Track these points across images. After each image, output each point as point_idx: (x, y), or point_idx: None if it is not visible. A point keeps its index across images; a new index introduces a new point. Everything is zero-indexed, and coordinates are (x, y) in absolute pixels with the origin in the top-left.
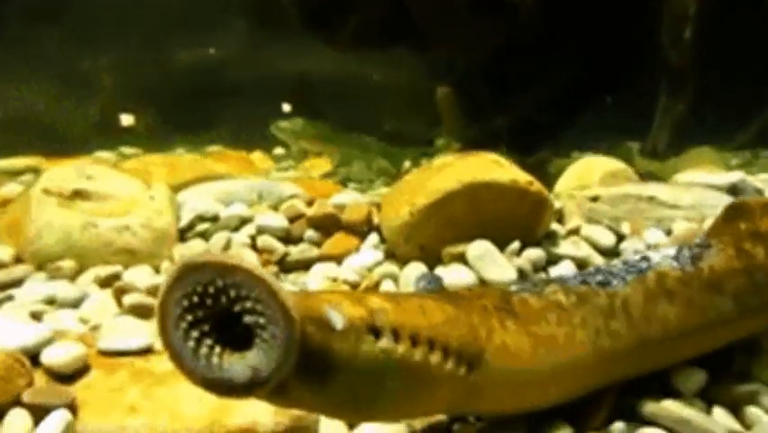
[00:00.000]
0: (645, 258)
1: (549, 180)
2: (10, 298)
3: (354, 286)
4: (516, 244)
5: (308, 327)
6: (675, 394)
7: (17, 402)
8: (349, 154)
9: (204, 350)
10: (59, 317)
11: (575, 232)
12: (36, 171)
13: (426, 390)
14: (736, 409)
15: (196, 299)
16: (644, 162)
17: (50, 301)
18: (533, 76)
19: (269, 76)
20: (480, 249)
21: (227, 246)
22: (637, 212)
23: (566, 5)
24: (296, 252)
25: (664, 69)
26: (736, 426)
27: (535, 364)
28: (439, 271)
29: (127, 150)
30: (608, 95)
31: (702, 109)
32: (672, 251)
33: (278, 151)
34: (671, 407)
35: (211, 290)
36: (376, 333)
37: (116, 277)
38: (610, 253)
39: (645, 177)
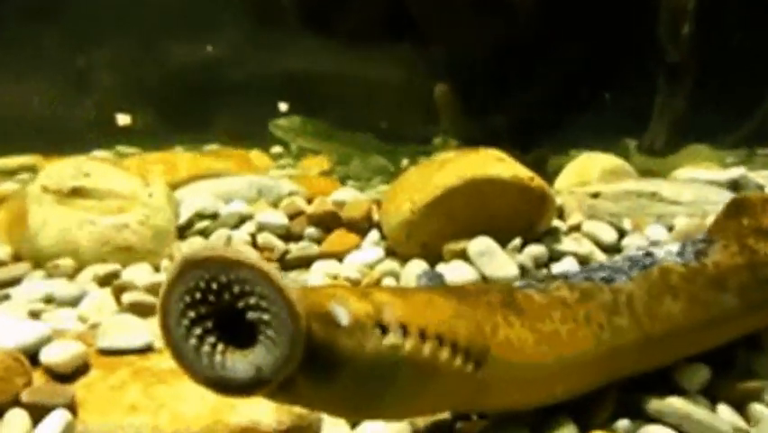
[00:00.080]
0: (649, 254)
1: (547, 178)
2: (8, 297)
3: (355, 283)
4: (517, 241)
5: (313, 323)
6: (679, 391)
7: (16, 402)
8: (347, 152)
9: (206, 348)
10: (58, 315)
11: (577, 228)
12: (33, 170)
13: (434, 386)
14: (740, 406)
15: (198, 295)
16: (642, 159)
17: (49, 300)
18: (531, 73)
19: (267, 74)
20: (481, 245)
21: (227, 244)
22: (638, 208)
23: (565, 3)
24: (296, 249)
25: (662, 66)
26: (741, 423)
27: (539, 361)
28: (440, 268)
29: (125, 149)
30: (606, 92)
31: (698, 106)
32: (675, 247)
33: (276, 149)
34: (676, 404)
35: (214, 285)
36: (383, 328)
37: (115, 275)
38: (612, 249)
39: (644, 174)
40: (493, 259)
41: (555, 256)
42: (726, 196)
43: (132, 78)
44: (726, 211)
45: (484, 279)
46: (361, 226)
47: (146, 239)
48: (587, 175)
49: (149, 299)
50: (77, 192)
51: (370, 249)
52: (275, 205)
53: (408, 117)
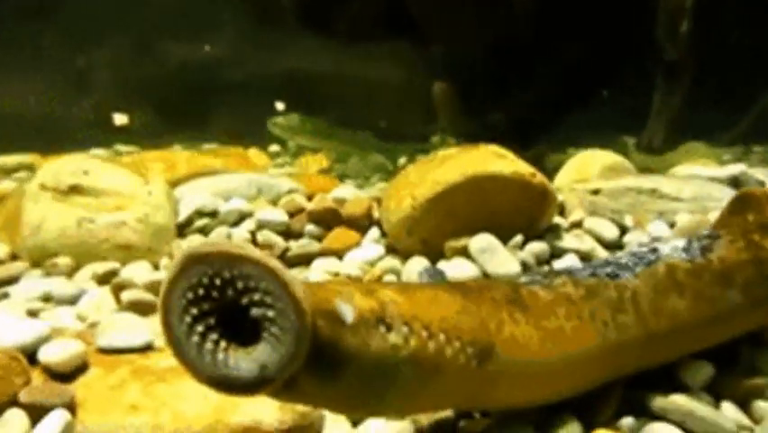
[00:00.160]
0: (655, 249)
1: (546, 175)
2: (5, 295)
3: (357, 281)
4: (519, 238)
5: (318, 319)
6: (682, 388)
7: (14, 402)
8: (345, 151)
9: (209, 345)
10: (56, 314)
11: (578, 225)
12: (31, 169)
13: (437, 384)
14: (743, 404)
15: (201, 291)
16: (640, 157)
17: (47, 299)
18: (530, 72)
19: (265, 73)
20: (482, 242)
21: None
22: (639, 205)
23: (563, 2)
24: (296, 247)
25: (660, 64)
26: (745, 420)
27: (544, 358)
28: (441, 265)
29: (122, 147)
30: (605, 90)
31: (693, 104)
32: (681, 242)
33: (274, 148)
34: (680, 401)
35: (217, 281)
36: (387, 326)
37: (114, 273)
38: (614, 246)
39: (642, 171)
40: (494, 256)
41: (557, 253)
42: (727, 192)
43: (130, 77)
44: (730, 206)
45: (486, 276)
46: (361, 224)
47: (145, 237)
48: (586, 172)
49: (148, 297)
50: (75, 190)
51: (371, 246)
52: (275, 202)
53: (407, 116)
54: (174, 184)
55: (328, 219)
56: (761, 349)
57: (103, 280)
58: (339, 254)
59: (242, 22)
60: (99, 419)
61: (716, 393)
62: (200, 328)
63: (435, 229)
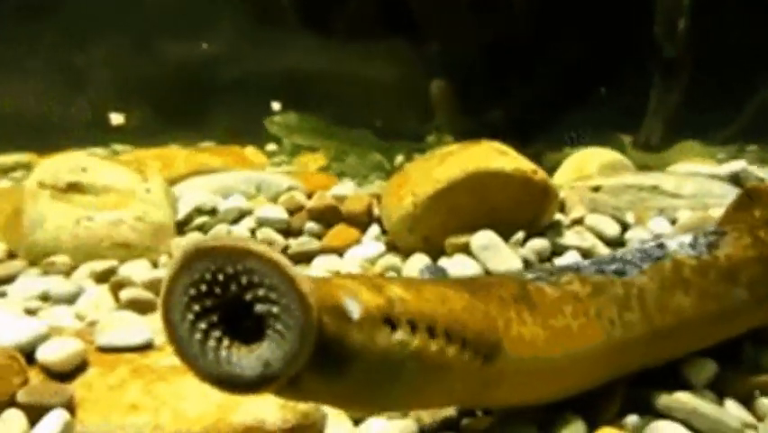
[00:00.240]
0: (661, 245)
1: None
2: (3, 294)
3: None
4: (520, 235)
5: (324, 316)
6: (685, 386)
7: (12, 402)
8: (343, 149)
9: (211, 343)
10: (54, 313)
11: (579, 222)
12: (28, 168)
13: (442, 381)
14: (747, 401)
15: (203, 287)
16: (636, 155)
17: (45, 297)
18: (528, 70)
19: (263, 72)
20: (484, 239)
21: None
22: (639, 202)
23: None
24: (296, 244)
25: (658, 62)
26: (749, 417)
27: (550, 356)
28: (443, 262)
29: (119, 146)
30: (602, 88)
31: (688, 103)
32: (687, 238)
33: (271, 147)
34: (685, 399)
35: (220, 277)
36: (393, 323)
37: (112, 272)
38: (615, 243)
39: (640, 169)
40: (496, 253)
41: (558, 250)
42: (728, 189)
43: (127, 76)
44: (737, 203)
45: (487, 273)
46: (361, 221)
47: (144, 235)
48: (585, 169)
49: (148, 295)
50: (73, 188)
51: (371, 244)
52: (274, 200)
53: (404, 115)
54: (172, 182)
55: (328, 217)
56: (764, 347)
57: (101, 278)
58: (339, 252)
59: (240, 20)
60: (99, 419)
61: (719, 391)
62: (203, 326)
63: (436, 226)
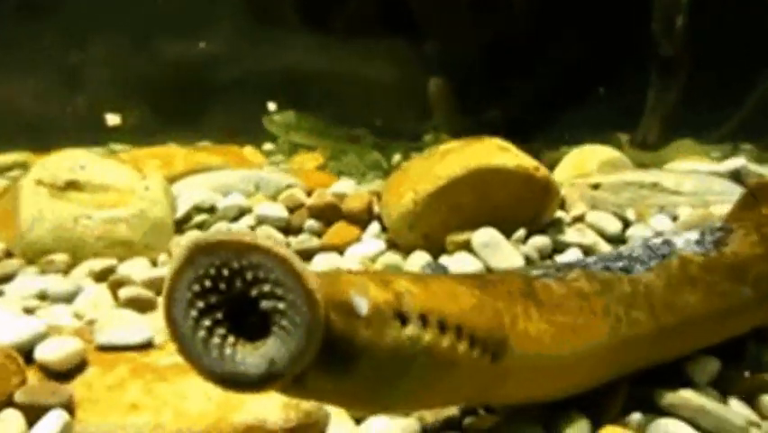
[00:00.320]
0: (668, 242)
1: None
2: (0, 293)
3: None
4: (521, 232)
5: (331, 312)
6: (688, 384)
7: (9, 402)
8: (341, 148)
9: (215, 340)
10: (53, 312)
11: (580, 219)
12: (25, 167)
13: (450, 378)
14: (750, 399)
15: (208, 283)
16: (633, 153)
17: (43, 296)
18: (526, 69)
19: (261, 71)
20: (485, 236)
21: None
22: (639, 199)
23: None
24: (296, 242)
25: (655, 60)
26: (753, 416)
27: (556, 353)
28: (443, 259)
29: (117, 146)
30: (599, 87)
31: (682, 101)
32: (694, 235)
33: (268, 146)
34: (690, 397)
35: (225, 272)
36: (403, 318)
37: (111, 270)
38: (617, 240)
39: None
40: (497, 250)
41: (559, 248)
42: (728, 186)
43: (125, 75)
44: (743, 200)
45: (489, 270)
46: (361, 219)
47: (143, 233)
48: (584, 167)
49: (147, 293)
50: (72, 185)
51: (371, 241)
52: (274, 198)
53: (402, 114)
54: (171, 180)
55: (328, 214)
56: (767, 345)
57: (100, 277)
58: (339, 250)
59: (238, 19)
60: (98, 419)
61: (722, 389)
62: (207, 323)
63: (437, 223)
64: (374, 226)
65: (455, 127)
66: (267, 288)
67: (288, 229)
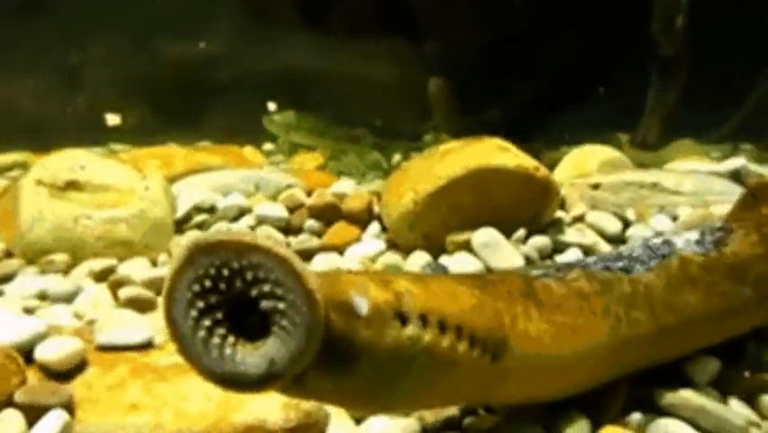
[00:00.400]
0: (668, 242)
1: None
2: (0, 293)
3: None
4: (521, 232)
5: (331, 312)
6: (688, 384)
7: (9, 402)
8: (340, 148)
9: (215, 340)
10: (53, 312)
11: (580, 219)
12: (24, 167)
13: (450, 378)
14: (750, 399)
15: (208, 283)
16: (634, 153)
17: (43, 296)
18: (525, 68)
19: (260, 71)
20: (485, 236)
21: None
22: (639, 199)
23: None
24: (296, 242)
25: (655, 60)
26: (753, 416)
27: (556, 353)
28: (443, 259)
29: (117, 146)
30: (601, 86)
31: (682, 101)
32: (694, 235)
33: (268, 146)
34: (690, 397)
35: (225, 272)
36: (403, 318)
37: (111, 270)
38: (617, 240)
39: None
40: (497, 250)
41: (559, 248)
42: (728, 186)
43: (125, 75)
44: (743, 200)
45: (489, 271)
46: (361, 219)
47: (143, 233)
48: (584, 167)
49: (147, 293)
50: (71, 185)
51: (371, 241)
52: (274, 198)
53: (403, 114)
54: (171, 180)
55: (328, 214)
56: (766, 345)
57: (100, 277)
58: (339, 250)
59: (238, 19)
60: (98, 419)
61: (722, 389)
62: (207, 323)
63: (437, 223)
64: (374, 226)
65: (455, 127)
66: (267, 288)
67: (287, 229)
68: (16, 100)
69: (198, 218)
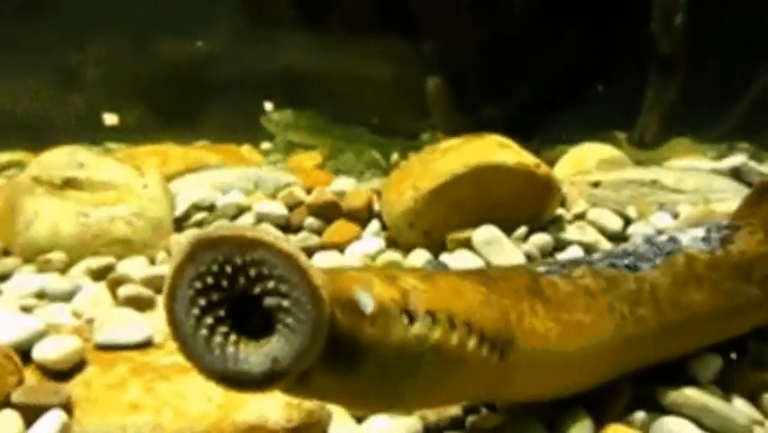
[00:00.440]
0: (673, 239)
1: None
2: None
3: None
4: (522, 229)
5: (336, 309)
6: (692, 382)
7: (6, 403)
8: (338, 147)
9: (217, 339)
10: (50, 311)
11: (581, 217)
12: (21, 166)
13: (458, 376)
14: (753, 398)
15: (210, 279)
16: (631, 152)
17: (40, 295)
18: (524, 67)
19: (257, 70)
20: (486, 234)
21: None
22: (639, 197)
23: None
24: (296, 240)
25: (653, 58)
26: (756, 414)
27: (563, 351)
28: (444, 257)
29: (114, 145)
30: (599, 85)
31: (679, 100)
32: (700, 232)
33: (266, 145)
34: (693, 396)
35: (228, 268)
36: (410, 316)
37: (110, 268)
38: (618, 237)
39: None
40: (498, 248)
41: (560, 245)
42: (728, 184)
43: (123, 74)
44: (750, 198)
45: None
46: (361, 217)
47: (142, 231)
48: (583, 165)
49: (146, 292)
50: (69, 183)
51: (371, 239)
52: (273, 196)
53: (401, 112)
54: (169, 179)
55: (328, 212)
56: None
57: (98, 275)
58: (340, 248)
59: (235, 18)
60: (98, 419)
61: (724, 387)
62: (209, 321)
63: (438, 221)
64: (374, 224)
65: (453, 126)
66: (271, 284)
67: (287, 227)
68: (13, 99)
69: (197, 216)
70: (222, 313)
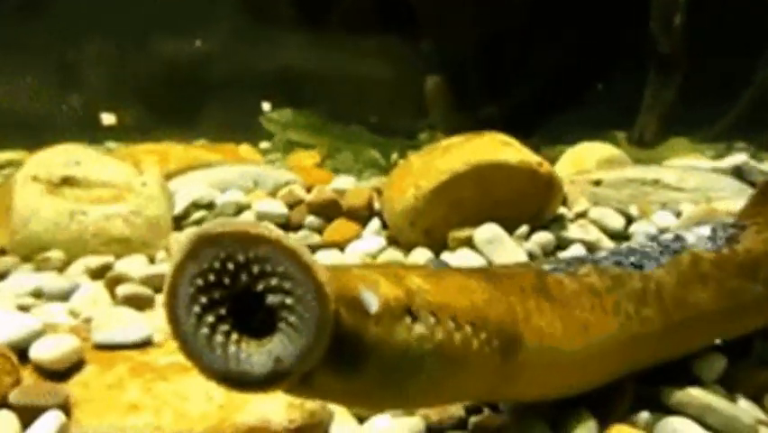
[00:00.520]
0: (679, 238)
1: None
2: None
3: None
4: (524, 228)
5: (341, 308)
6: (696, 382)
7: (3, 404)
8: (337, 146)
9: (219, 338)
10: (48, 310)
11: (583, 215)
12: (19, 165)
13: (462, 376)
14: (758, 397)
15: (212, 277)
16: (631, 151)
17: (38, 294)
18: (523, 67)
19: (256, 69)
20: (487, 233)
21: None
22: (641, 195)
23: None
24: (297, 239)
25: (653, 58)
26: (761, 414)
27: (568, 349)
28: (445, 256)
29: (113, 144)
30: (598, 84)
31: (679, 99)
32: (706, 231)
33: (264, 144)
34: (698, 395)
35: (230, 265)
36: (414, 316)
37: (108, 267)
38: (620, 236)
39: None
40: (500, 247)
41: (563, 244)
42: (729, 182)
43: (121, 73)
44: (756, 197)
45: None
46: (361, 215)
47: (140, 230)
48: (583, 164)
49: (145, 291)
50: (67, 181)
51: (372, 238)
52: (273, 194)
53: (399, 111)
54: (168, 177)
55: (328, 211)
56: None
57: (96, 274)
58: (340, 246)
59: (234, 17)
60: (96, 420)
61: (728, 386)
62: (210, 319)
63: (439, 219)
64: (375, 223)
65: (452, 125)
66: (274, 282)
67: (287, 226)
68: (12, 98)
69: (197, 215)
70: (223, 311)
